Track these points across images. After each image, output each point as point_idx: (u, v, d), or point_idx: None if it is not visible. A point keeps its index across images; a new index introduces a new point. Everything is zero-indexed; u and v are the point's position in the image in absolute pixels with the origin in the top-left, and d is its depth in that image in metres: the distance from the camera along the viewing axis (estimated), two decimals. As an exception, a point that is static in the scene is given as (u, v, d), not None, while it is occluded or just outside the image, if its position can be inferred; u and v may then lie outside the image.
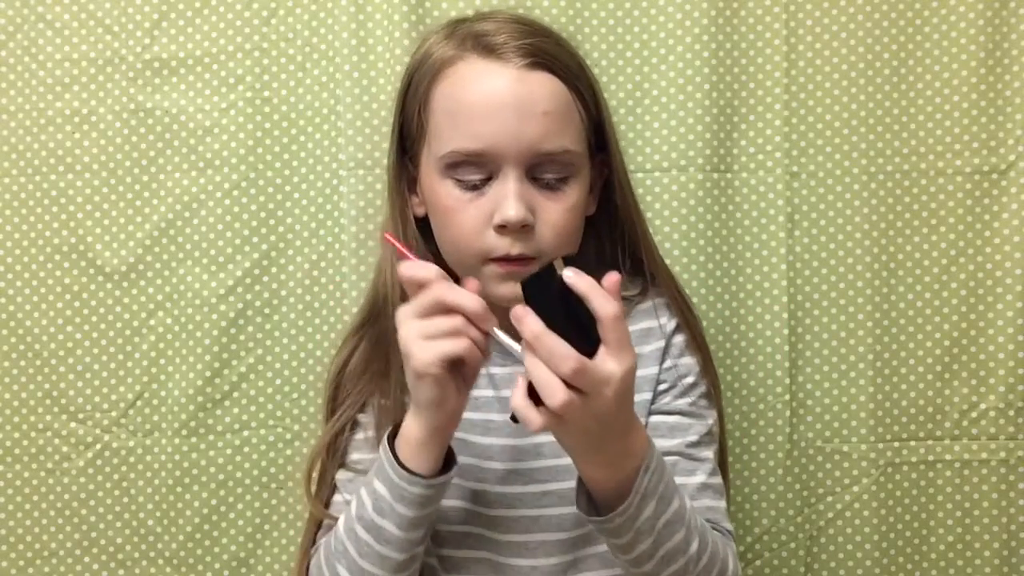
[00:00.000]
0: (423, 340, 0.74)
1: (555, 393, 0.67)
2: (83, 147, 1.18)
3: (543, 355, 0.67)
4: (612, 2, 1.16)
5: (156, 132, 1.18)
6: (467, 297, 0.74)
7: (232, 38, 1.18)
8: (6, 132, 1.18)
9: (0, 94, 1.18)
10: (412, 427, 0.79)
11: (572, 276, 0.69)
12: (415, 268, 0.77)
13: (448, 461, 0.82)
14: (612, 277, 0.70)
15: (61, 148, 1.18)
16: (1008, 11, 1.14)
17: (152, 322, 1.19)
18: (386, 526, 0.80)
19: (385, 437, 0.81)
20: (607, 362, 0.68)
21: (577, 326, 0.68)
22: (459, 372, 0.77)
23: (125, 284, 1.19)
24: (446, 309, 0.74)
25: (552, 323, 0.68)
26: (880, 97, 1.16)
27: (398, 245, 0.83)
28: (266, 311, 1.19)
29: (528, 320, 0.68)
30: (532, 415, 0.69)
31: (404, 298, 0.87)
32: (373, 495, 0.81)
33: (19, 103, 1.18)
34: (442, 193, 0.85)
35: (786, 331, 1.16)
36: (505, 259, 0.83)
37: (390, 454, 0.80)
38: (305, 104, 1.18)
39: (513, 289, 0.82)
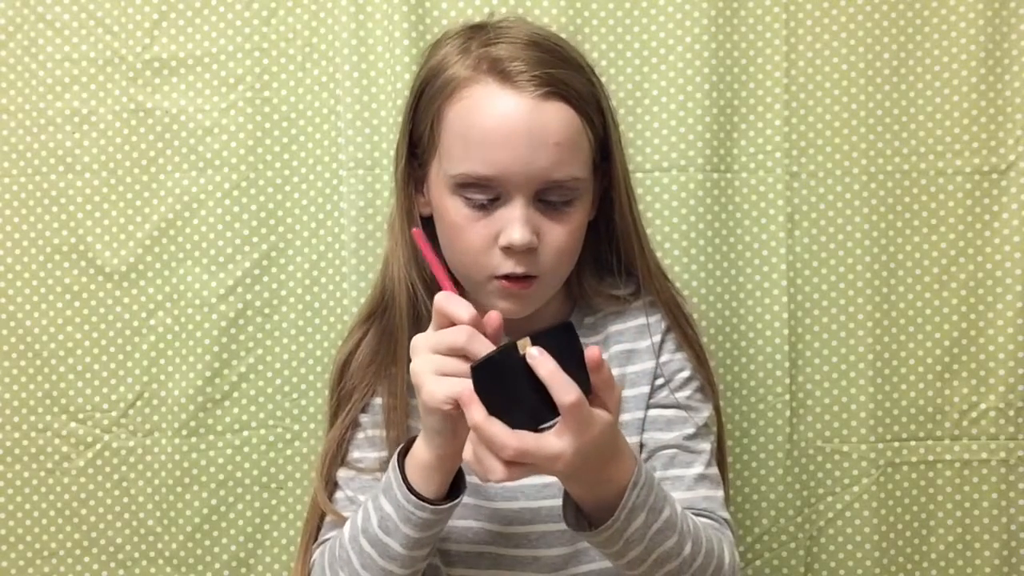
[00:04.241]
0: (436, 375, 0.74)
1: (493, 471, 0.70)
2: (83, 147, 1.18)
3: (484, 442, 0.69)
4: (612, 2, 1.16)
5: (156, 132, 1.18)
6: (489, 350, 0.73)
7: (232, 38, 1.18)
8: (6, 132, 1.18)
9: (0, 94, 1.18)
10: (422, 451, 0.79)
11: (536, 358, 0.69)
12: (452, 304, 0.76)
13: (457, 484, 0.82)
14: (593, 353, 0.70)
15: (61, 148, 1.18)
16: (1008, 11, 1.14)
17: (152, 322, 1.19)
18: (391, 544, 0.80)
19: (395, 456, 0.82)
20: (557, 442, 0.69)
21: (541, 392, 0.70)
22: None
23: (125, 284, 1.19)
24: (465, 355, 0.74)
25: (514, 393, 0.70)
26: (880, 97, 1.16)
27: (432, 257, 0.81)
28: (266, 311, 1.19)
29: (472, 409, 0.70)
30: (481, 470, 0.71)
31: (413, 292, 0.89)
32: (379, 511, 0.81)
33: (19, 103, 1.18)
34: (451, 209, 0.86)
35: (786, 331, 1.16)
36: (508, 277, 0.85)
37: (399, 476, 0.80)
38: (305, 104, 1.18)
39: (513, 306, 0.86)
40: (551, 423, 0.71)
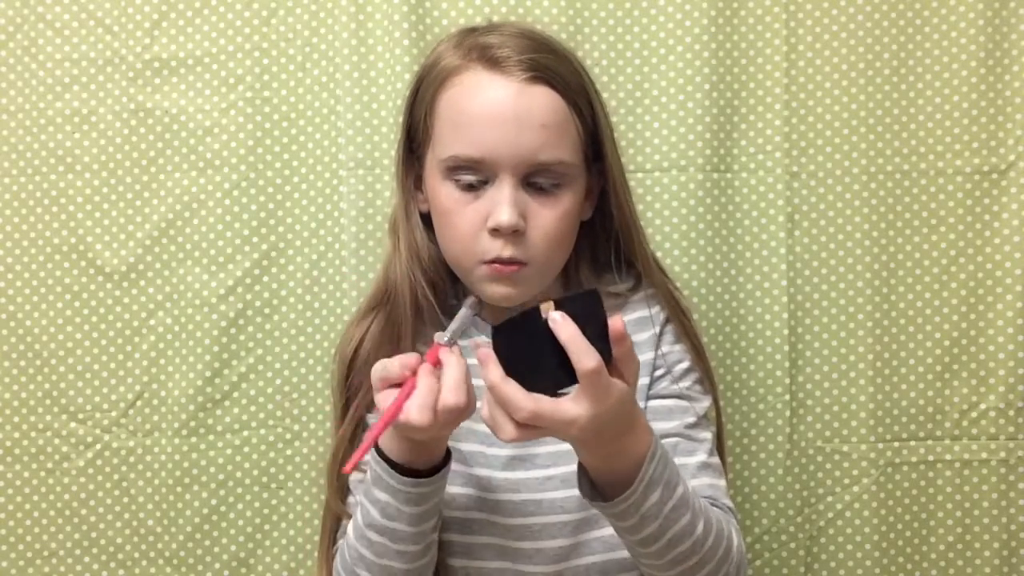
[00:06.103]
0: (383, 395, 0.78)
1: (505, 432, 0.72)
2: (83, 147, 1.18)
3: (499, 402, 0.71)
4: (612, 2, 1.16)
5: (156, 132, 1.18)
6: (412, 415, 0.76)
7: (232, 38, 1.18)
8: (6, 132, 1.18)
9: (0, 94, 1.18)
10: (406, 443, 0.81)
11: (557, 322, 0.71)
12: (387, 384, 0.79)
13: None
14: (616, 323, 0.71)
15: (61, 148, 1.18)
16: (1008, 11, 1.14)
17: (152, 322, 1.19)
18: (398, 527, 0.82)
19: (373, 451, 0.83)
20: (573, 407, 0.71)
21: (561, 356, 0.71)
22: None
23: (125, 284, 1.19)
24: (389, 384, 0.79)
25: (534, 356, 0.71)
26: (880, 97, 1.16)
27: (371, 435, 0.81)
28: (266, 311, 1.19)
29: (489, 368, 0.72)
30: (494, 428, 0.73)
31: (415, 286, 0.91)
32: (377, 503, 0.83)
33: (19, 103, 1.18)
34: (442, 194, 0.88)
35: (786, 331, 1.16)
36: (496, 261, 0.86)
37: (385, 464, 0.81)
38: (305, 104, 1.18)
39: (502, 290, 0.87)
40: (569, 389, 0.71)
